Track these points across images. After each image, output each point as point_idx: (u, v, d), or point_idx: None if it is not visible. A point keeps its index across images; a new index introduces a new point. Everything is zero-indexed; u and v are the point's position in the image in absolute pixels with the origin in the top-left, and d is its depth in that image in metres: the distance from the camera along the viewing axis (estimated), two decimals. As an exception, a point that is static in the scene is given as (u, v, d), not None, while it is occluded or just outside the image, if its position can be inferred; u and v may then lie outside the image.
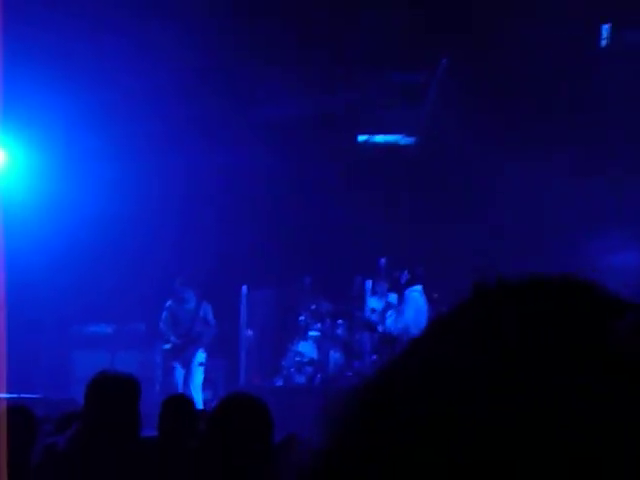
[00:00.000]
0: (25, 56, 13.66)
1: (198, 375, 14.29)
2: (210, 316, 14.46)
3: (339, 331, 14.89)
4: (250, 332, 15.26)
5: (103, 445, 4.81)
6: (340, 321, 14.93)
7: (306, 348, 14.73)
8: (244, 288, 15.11)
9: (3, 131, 15.36)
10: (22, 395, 10.61)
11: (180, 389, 13.54)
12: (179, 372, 14.32)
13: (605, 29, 14.08)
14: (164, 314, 14.49)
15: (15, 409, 5.19)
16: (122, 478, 4.84)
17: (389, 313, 14.11)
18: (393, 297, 14.32)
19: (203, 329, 14.35)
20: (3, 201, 15.03)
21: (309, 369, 14.64)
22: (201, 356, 14.34)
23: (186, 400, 6.59)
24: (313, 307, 14.94)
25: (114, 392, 4.86)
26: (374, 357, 14.33)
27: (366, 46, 13.87)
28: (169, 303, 14.49)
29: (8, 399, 7.66)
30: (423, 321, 12.59)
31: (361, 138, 16.44)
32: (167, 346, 14.53)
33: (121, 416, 4.85)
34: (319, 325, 14.91)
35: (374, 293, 14.63)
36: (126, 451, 4.87)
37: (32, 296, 15.45)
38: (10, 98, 13.05)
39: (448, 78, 14.76)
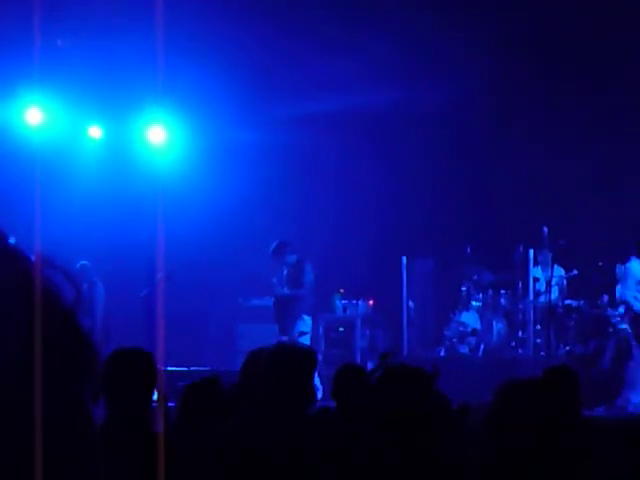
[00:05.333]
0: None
1: None
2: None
3: (502, 301, 14.75)
4: (411, 303, 15.19)
5: (276, 415, 4.82)
6: (503, 291, 14.78)
7: (469, 318, 14.62)
8: (404, 259, 15.03)
9: (164, 109, 15.61)
10: (192, 368, 10.84)
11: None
12: None
13: None
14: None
15: (208, 380, 5.29)
16: (294, 446, 4.84)
17: (554, 282, 13.84)
18: (558, 268, 14.05)
19: None
20: (163, 177, 15.28)
21: (472, 339, 14.53)
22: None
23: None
24: (475, 277, 14.79)
25: (290, 363, 4.86)
26: (538, 327, 14.12)
27: None
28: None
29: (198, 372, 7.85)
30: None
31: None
32: None
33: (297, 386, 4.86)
34: (481, 295, 14.78)
35: (537, 263, 14.36)
36: (299, 422, 4.87)
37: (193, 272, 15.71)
38: (171, 76, 13.25)
39: None
